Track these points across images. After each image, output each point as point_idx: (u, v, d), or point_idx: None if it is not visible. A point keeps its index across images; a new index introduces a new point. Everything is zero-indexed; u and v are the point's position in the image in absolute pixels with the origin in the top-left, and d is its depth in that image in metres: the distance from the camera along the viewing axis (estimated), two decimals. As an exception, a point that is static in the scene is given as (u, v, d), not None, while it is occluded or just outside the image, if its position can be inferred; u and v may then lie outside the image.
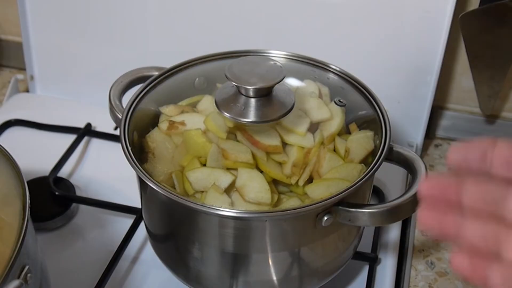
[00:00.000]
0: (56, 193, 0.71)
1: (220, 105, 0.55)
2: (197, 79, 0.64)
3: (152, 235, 0.61)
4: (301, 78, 0.63)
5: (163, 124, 0.59)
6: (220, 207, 0.49)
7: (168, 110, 0.60)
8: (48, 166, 0.74)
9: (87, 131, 0.82)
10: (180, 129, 0.58)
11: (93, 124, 0.83)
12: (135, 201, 0.63)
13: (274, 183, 0.56)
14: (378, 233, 0.68)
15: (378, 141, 0.56)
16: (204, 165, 0.55)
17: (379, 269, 0.65)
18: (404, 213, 0.52)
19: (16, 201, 0.46)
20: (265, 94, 0.55)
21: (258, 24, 0.78)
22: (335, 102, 0.61)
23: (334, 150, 0.58)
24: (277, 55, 0.64)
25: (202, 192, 0.54)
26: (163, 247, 0.60)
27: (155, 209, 0.58)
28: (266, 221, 0.50)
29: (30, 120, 0.84)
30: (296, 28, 0.77)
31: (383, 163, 0.53)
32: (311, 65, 0.64)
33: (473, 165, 0.34)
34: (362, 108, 0.60)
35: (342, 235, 0.56)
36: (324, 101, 0.61)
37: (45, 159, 0.76)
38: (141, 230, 0.66)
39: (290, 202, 0.54)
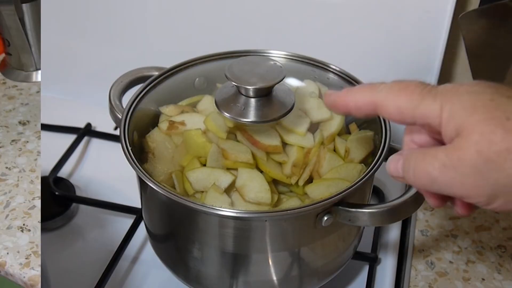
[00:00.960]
0: (56, 193, 0.71)
1: (220, 105, 0.55)
2: (197, 79, 0.64)
3: (152, 235, 0.61)
4: (301, 78, 0.63)
5: (163, 124, 0.59)
6: (220, 207, 0.49)
7: (168, 110, 0.60)
8: (48, 166, 0.74)
9: (87, 131, 0.82)
10: (180, 129, 0.58)
11: (93, 124, 0.83)
12: (135, 201, 0.63)
13: (274, 183, 0.56)
14: (378, 233, 0.68)
15: (378, 141, 0.56)
16: (204, 165, 0.55)
17: (379, 269, 0.65)
18: (404, 213, 0.52)
19: (16, 201, 0.46)
20: (265, 94, 0.55)
21: (258, 24, 0.78)
22: (335, 102, 0.60)
23: (334, 150, 0.58)
24: (277, 55, 0.64)
25: (202, 192, 0.54)
26: (163, 247, 0.60)
27: (155, 209, 0.58)
28: (266, 221, 0.50)
29: (30, 120, 0.84)
30: (296, 28, 0.77)
31: (383, 163, 0.53)
32: (311, 65, 0.64)
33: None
34: (362, 108, 0.60)
35: (342, 235, 0.56)
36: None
37: (45, 159, 0.75)
38: (141, 230, 0.66)
39: (290, 202, 0.54)
